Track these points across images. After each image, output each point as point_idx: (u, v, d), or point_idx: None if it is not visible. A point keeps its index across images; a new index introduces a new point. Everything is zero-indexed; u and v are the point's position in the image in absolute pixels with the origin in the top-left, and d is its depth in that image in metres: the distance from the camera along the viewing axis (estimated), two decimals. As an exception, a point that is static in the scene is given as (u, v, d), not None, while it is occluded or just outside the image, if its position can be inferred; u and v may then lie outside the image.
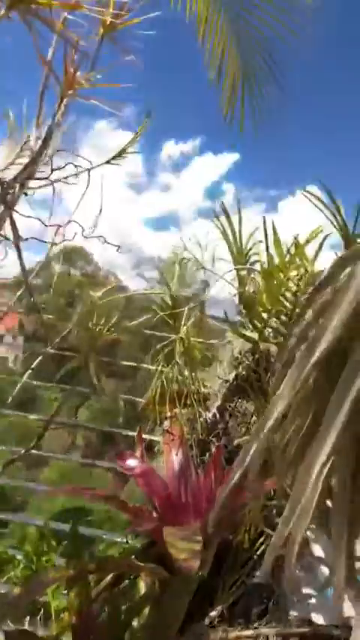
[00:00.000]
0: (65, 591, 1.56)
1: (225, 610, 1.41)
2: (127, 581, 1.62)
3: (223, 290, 2.12)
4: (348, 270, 0.87)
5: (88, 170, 1.87)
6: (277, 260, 1.68)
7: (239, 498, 1.41)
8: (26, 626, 1.51)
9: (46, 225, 1.78)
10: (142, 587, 1.49)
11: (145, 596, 1.43)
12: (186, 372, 1.79)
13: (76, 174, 1.83)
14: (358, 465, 0.85)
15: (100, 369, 2.29)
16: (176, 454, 1.73)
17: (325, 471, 0.77)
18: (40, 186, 1.74)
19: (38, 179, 1.74)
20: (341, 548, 0.76)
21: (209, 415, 1.83)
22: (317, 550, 1.70)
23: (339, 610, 1.29)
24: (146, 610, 1.41)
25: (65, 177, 1.82)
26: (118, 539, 1.96)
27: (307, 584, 1.80)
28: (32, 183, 1.70)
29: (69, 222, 1.86)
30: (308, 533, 1.72)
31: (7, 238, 1.56)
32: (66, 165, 1.78)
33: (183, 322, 1.85)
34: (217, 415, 1.83)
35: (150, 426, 1.94)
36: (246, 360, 1.87)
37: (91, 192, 1.84)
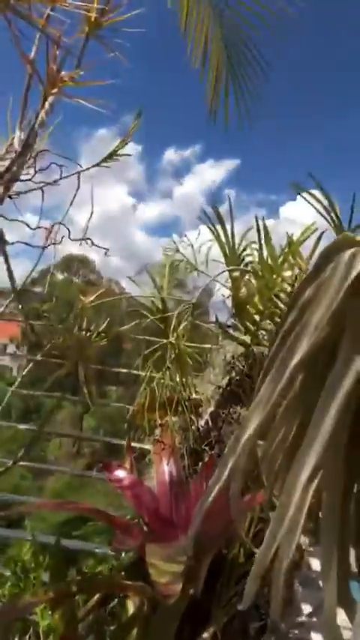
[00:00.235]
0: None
1: (218, 631, 1.33)
2: (116, 599, 1.54)
3: (217, 293, 2.05)
4: (332, 263, 0.80)
5: (78, 173, 1.82)
6: (269, 260, 1.60)
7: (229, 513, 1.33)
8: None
9: (31, 229, 1.73)
10: (131, 606, 1.41)
11: (133, 617, 1.35)
12: (177, 378, 1.72)
13: (66, 177, 1.79)
14: (350, 481, 0.77)
15: (90, 376, 2.22)
16: (167, 464, 1.65)
17: (312, 486, 0.70)
18: (28, 190, 1.69)
19: (23, 180, 1.69)
20: (331, 567, 0.68)
21: (201, 423, 1.75)
22: (315, 563, 1.62)
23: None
24: (134, 632, 1.32)
25: (55, 181, 1.77)
26: (110, 552, 1.88)
27: (305, 599, 1.72)
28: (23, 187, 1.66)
29: (56, 224, 1.81)
30: (306, 542, 1.64)
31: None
32: (49, 165, 1.72)
33: (173, 326, 1.77)
34: (210, 422, 1.75)
35: (140, 434, 1.87)
36: (239, 364, 1.79)
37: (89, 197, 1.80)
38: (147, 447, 1.94)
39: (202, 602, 1.48)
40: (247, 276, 2.22)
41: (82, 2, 1.58)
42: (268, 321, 1.70)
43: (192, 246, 2.39)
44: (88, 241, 2.00)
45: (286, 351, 0.74)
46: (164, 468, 1.63)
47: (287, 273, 1.75)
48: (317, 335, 0.70)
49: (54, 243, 1.85)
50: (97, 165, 1.92)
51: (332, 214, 1.81)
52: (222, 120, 2.21)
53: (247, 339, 1.68)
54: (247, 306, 1.66)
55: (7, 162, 1.74)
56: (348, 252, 0.77)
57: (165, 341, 1.78)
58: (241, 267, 2.25)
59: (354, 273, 0.72)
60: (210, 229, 2.21)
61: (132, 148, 1.88)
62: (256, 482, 0.98)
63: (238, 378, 1.78)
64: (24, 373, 2.48)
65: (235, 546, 1.59)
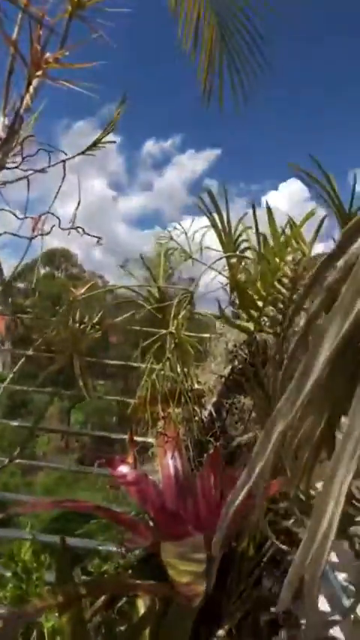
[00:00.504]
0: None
1: (233, 628, 1.29)
2: (124, 598, 1.49)
3: (213, 283, 2.00)
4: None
5: (64, 161, 1.75)
6: (271, 242, 1.55)
7: (243, 507, 1.28)
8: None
9: (18, 218, 1.66)
10: (141, 605, 1.36)
11: (144, 617, 1.30)
12: (178, 369, 1.66)
13: (52, 166, 1.72)
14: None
15: (85, 369, 2.16)
16: (171, 457, 1.60)
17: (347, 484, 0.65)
18: (15, 180, 1.63)
19: (8, 168, 1.62)
20: None
21: (205, 413, 1.70)
22: (331, 555, 1.59)
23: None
24: (146, 632, 1.27)
25: (42, 169, 1.70)
26: (114, 549, 1.82)
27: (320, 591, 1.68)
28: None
29: (43, 214, 1.74)
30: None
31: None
32: (38, 151, 1.66)
33: (173, 316, 1.71)
34: (214, 413, 1.70)
35: (143, 427, 1.81)
36: (241, 352, 1.74)
37: (72, 188, 1.73)
38: (150, 440, 1.89)
39: (213, 597, 1.44)
40: (244, 263, 2.17)
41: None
42: (270, 308, 1.65)
43: (186, 234, 2.33)
44: (80, 230, 1.93)
45: (316, 338, 0.69)
46: (169, 461, 1.58)
47: (288, 257, 1.70)
48: (356, 316, 0.65)
49: (42, 234, 1.79)
50: (83, 153, 1.85)
51: (333, 197, 1.76)
52: (206, 107, 2.15)
53: (250, 326, 1.63)
54: (249, 292, 1.60)
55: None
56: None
57: (164, 331, 1.72)
58: (238, 253, 2.20)
59: None
60: (206, 215, 2.15)
61: (112, 139, 1.82)
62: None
63: (240, 366, 1.73)
64: (15, 370, 2.40)
65: (244, 539, 1.55)
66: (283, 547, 1.32)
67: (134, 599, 1.38)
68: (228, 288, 2.10)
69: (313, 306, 0.77)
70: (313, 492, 1.03)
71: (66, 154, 1.79)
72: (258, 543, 1.57)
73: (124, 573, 1.52)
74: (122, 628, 1.36)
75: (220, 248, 2.28)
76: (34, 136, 1.62)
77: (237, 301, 2.01)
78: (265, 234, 1.61)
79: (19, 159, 1.63)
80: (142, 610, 1.34)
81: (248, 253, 2.17)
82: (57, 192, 1.80)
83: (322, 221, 1.76)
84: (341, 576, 1.50)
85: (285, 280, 1.62)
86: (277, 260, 1.55)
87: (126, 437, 3.45)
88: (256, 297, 1.60)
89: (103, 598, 1.43)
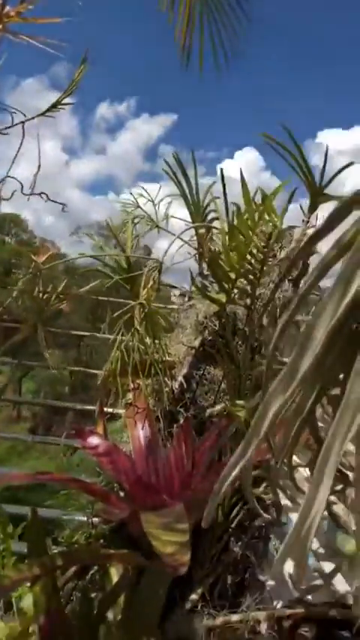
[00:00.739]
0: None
1: (206, 592, 1.32)
2: (95, 567, 1.50)
3: (177, 253, 1.97)
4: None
5: (23, 123, 1.67)
6: (245, 215, 1.54)
7: (219, 475, 1.30)
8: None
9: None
10: (114, 574, 1.38)
11: (118, 585, 1.32)
12: (148, 340, 1.65)
13: (10, 127, 1.64)
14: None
15: (49, 339, 2.12)
16: (142, 428, 1.60)
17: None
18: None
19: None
20: None
21: (175, 385, 1.71)
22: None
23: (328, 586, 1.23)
24: (121, 599, 1.29)
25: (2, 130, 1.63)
26: (82, 518, 1.82)
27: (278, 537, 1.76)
28: None
29: (3, 179, 1.67)
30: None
31: None
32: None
33: (143, 286, 1.69)
34: (184, 384, 1.71)
35: (112, 399, 1.80)
36: (212, 324, 1.74)
37: (26, 151, 1.65)
38: (118, 411, 1.88)
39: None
40: (211, 233, 2.16)
41: None
42: (241, 280, 1.65)
43: (153, 201, 2.29)
44: (44, 196, 1.86)
45: (315, 316, 0.69)
46: (139, 433, 1.58)
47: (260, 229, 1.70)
48: (354, 293, 0.65)
49: (3, 199, 1.71)
50: (43, 114, 1.77)
51: (304, 168, 1.76)
52: (185, 67, 2.08)
53: (222, 297, 1.62)
54: (222, 264, 1.59)
55: None
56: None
57: (134, 302, 1.70)
58: (206, 223, 2.18)
59: None
60: (175, 183, 2.11)
61: (66, 101, 1.74)
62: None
63: (210, 338, 1.74)
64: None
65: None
66: (267, 516, 1.36)
67: (107, 568, 1.39)
68: (197, 259, 2.08)
69: (306, 283, 0.77)
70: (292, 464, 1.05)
71: (25, 115, 1.70)
72: (227, 510, 1.62)
73: (95, 543, 1.53)
74: (97, 595, 1.38)
75: (183, 216, 2.26)
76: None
77: (206, 272, 2.01)
78: (237, 204, 1.60)
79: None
80: (115, 578, 1.36)
81: (216, 224, 2.16)
82: (16, 154, 1.71)
83: (292, 193, 1.76)
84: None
85: (256, 252, 1.62)
86: (250, 232, 1.54)
87: (79, 406, 3.43)
88: (228, 268, 1.60)
89: (74, 567, 1.43)
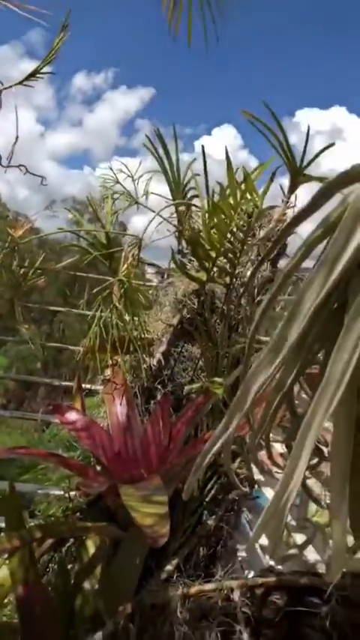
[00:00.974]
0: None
1: (181, 563, 1.36)
2: (72, 539, 1.52)
3: (155, 230, 1.96)
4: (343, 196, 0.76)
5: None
6: (228, 192, 1.54)
7: (196, 450, 1.33)
8: None
9: None
10: (91, 546, 1.40)
11: (95, 556, 1.34)
12: (127, 317, 1.65)
13: None
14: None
15: (25, 314, 2.10)
16: (120, 404, 1.61)
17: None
18: None
19: None
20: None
21: (154, 361, 1.72)
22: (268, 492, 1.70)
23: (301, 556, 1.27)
24: (97, 571, 1.32)
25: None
26: (57, 492, 1.84)
27: (253, 526, 1.81)
28: None
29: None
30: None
31: None
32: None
33: (122, 262, 1.68)
34: (162, 361, 1.72)
35: (90, 375, 1.81)
36: (190, 302, 1.75)
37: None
38: (95, 387, 1.88)
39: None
40: (191, 210, 2.15)
41: None
42: (222, 258, 1.66)
43: (132, 177, 2.26)
44: (22, 168, 1.82)
45: (301, 292, 0.71)
46: (117, 408, 1.60)
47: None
48: (340, 272, 0.67)
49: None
50: (21, 83, 1.72)
51: (285, 148, 1.76)
52: (173, 40, 2.04)
53: (202, 275, 1.63)
54: (202, 242, 1.60)
55: None
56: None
57: (113, 279, 1.69)
58: (187, 200, 2.17)
59: None
60: (156, 159, 2.09)
61: (45, 70, 1.69)
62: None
63: (189, 316, 1.75)
64: None
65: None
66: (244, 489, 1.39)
67: (84, 540, 1.41)
68: (177, 236, 2.08)
69: (291, 262, 0.78)
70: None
71: (2, 84, 1.65)
72: (201, 484, 1.65)
73: (72, 516, 1.55)
74: (73, 566, 1.40)
75: (161, 192, 2.24)
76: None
77: (186, 250, 2.01)
78: (219, 182, 1.60)
79: None
80: (91, 550, 1.38)
81: (196, 201, 2.15)
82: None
83: (274, 173, 1.76)
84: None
85: (236, 231, 1.63)
86: (232, 211, 1.54)
87: (56, 382, 3.41)
88: (208, 247, 1.60)
89: (51, 540, 1.45)
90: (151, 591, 1.23)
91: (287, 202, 1.79)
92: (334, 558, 0.68)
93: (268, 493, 1.78)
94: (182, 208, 2.07)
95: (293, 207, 1.76)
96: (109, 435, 1.52)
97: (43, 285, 2.14)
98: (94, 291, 1.63)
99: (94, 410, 1.88)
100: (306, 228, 0.80)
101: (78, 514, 1.54)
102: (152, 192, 2.29)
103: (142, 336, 1.64)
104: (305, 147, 1.76)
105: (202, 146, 2.01)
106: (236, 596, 1.14)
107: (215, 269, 1.71)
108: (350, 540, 0.84)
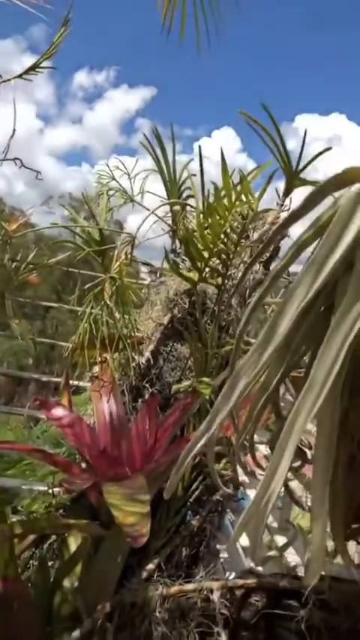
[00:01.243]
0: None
1: (162, 562, 1.35)
2: (54, 536, 1.51)
3: (147, 229, 1.95)
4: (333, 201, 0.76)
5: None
6: (223, 193, 1.53)
7: (180, 449, 1.32)
8: None
9: None
10: (72, 543, 1.39)
11: (77, 554, 1.33)
12: (117, 315, 1.64)
13: None
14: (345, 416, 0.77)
15: (16, 309, 2.08)
16: (107, 402, 1.60)
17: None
18: None
19: None
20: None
21: (142, 360, 1.71)
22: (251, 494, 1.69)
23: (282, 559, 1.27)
24: (78, 568, 1.31)
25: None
26: (41, 488, 1.83)
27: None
28: None
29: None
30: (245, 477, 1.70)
31: None
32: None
33: (115, 260, 1.67)
34: (151, 360, 1.71)
35: (77, 372, 1.80)
36: (182, 302, 1.75)
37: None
38: (83, 384, 1.87)
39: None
40: (185, 211, 2.15)
41: None
42: (214, 259, 1.66)
43: (128, 175, 2.25)
44: (18, 162, 1.81)
45: (288, 294, 0.70)
46: (104, 406, 1.59)
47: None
48: (328, 273, 0.67)
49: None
50: (20, 76, 1.71)
51: (282, 152, 1.76)
52: (166, 36, 2.04)
53: (194, 275, 1.63)
54: (195, 242, 1.59)
55: None
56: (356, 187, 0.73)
57: (104, 276, 1.68)
58: (182, 200, 2.16)
59: None
60: (153, 158, 2.09)
61: (45, 64, 1.69)
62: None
63: (180, 315, 1.74)
64: None
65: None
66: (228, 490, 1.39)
67: (66, 537, 1.41)
68: (171, 236, 2.08)
69: (280, 263, 0.78)
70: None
71: (0, 76, 1.64)
72: (186, 485, 1.65)
73: (55, 513, 1.54)
74: (54, 564, 1.39)
75: (158, 192, 2.23)
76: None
77: (179, 250, 2.00)
78: (215, 183, 1.59)
79: None
80: (73, 547, 1.37)
81: (191, 201, 2.15)
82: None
83: (271, 175, 1.77)
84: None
85: (230, 232, 1.63)
86: (227, 212, 1.54)
87: (45, 378, 3.40)
88: (202, 247, 1.60)
89: (33, 536, 1.44)
90: (131, 590, 1.23)
91: (282, 205, 1.79)
92: (313, 561, 0.67)
93: (253, 495, 1.77)
94: (177, 208, 2.07)
95: (288, 210, 1.76)
96: (94, 433, 1.51)
97: (36, 281, 2.12)
98: (86, 287, 1.62)
99: (81, 407, 1.87)
100: (299, 231, 0.80)
101: (61, 511, 1.53)
102: (148, 191, 2.29)
103: (132, 334, 1.64)
104: (302, 151, 1.77)
105: (199, 146, 2.01)
106: (216, 597, 1.13)
107: (208, 269, 1.71)
108: (330, 544, 0.84)
